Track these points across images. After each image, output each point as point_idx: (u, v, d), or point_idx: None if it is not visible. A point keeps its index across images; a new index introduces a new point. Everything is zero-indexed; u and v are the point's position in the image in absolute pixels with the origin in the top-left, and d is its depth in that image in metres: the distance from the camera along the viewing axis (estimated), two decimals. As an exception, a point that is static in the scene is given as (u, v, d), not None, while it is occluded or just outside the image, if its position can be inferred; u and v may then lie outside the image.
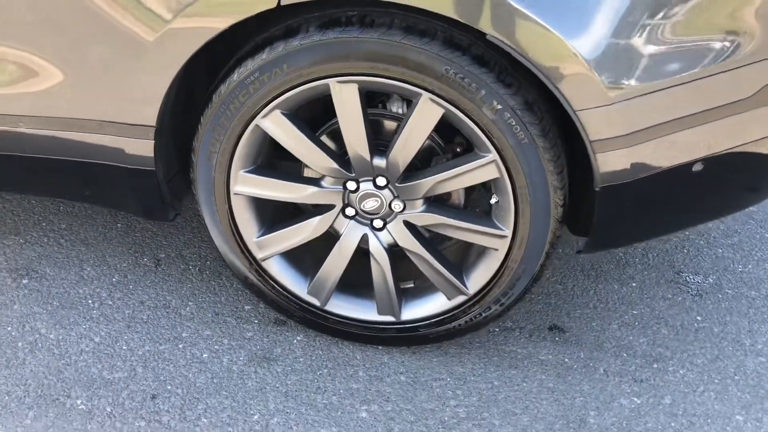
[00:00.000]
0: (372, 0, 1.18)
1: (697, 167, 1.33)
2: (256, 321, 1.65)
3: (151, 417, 1.43)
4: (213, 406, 1.45)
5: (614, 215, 1.38)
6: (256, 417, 1.44)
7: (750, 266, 1.90)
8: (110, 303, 1.67)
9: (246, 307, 1.68)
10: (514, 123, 1.24)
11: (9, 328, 1.59)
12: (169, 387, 1.49)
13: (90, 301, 1.67)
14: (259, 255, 1.50)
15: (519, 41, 1.17)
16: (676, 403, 1.52)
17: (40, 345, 1.56)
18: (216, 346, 1.58)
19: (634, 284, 1.82)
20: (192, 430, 1.41)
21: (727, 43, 1.21)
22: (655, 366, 1.60)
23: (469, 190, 1.47)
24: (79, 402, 1.45)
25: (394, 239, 1.45)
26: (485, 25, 1.16)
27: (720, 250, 1.95)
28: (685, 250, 1.94)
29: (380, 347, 1.60)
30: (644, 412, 1.49)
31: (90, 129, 1.40)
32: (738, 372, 1.59)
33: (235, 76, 1.30)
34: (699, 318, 1.73)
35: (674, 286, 1.81)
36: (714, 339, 1.68)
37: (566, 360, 1.60)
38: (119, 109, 1.36)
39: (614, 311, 1.74)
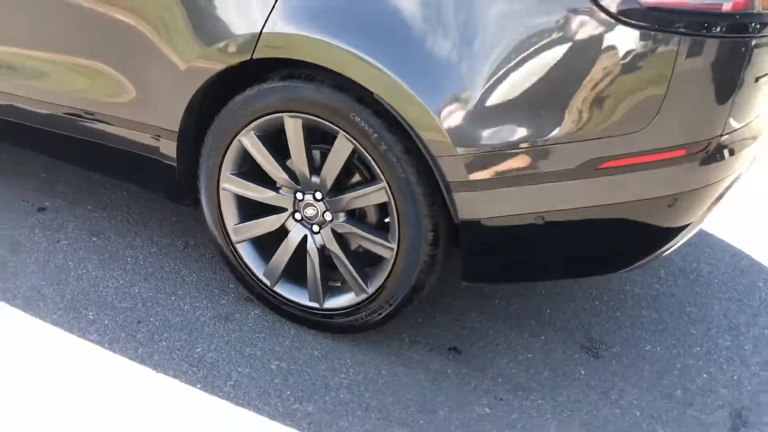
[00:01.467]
0: (311, 63, 1.75)
1: (538, 220, 1.72)
2: (232, 295, 2.19)
3: (130, 333, 2.00)
4: (174, 337, 2.00)
5: (475, 249, 1.79)
6: (198, 350, 1.96)
7: (659, 348, 2.15)
8: (141, 263, 2.30)
9: (230, 285, 2.23)
10: (396, 161, 1.73)
11: (70, 263, 2.26)
12: (151, 319, 2.06)
13: (128, 260, 2.31)
14: (234, 238, 2.06)
15: (397, 104, 1.67)
16: (520, 419, 1.83)
17: (84, 277, 2.21)
18: (196, 303, 2.14)
19: (543, 337, 2.15)
20: (152, 347, 1.96)
21: (554, 124, 1.62)
22: (520, 393, 1.92)
23: (380, 209, 1.93)
24: (90, 314, 2.06)
25: (324, 242, 1.95)
26: (379, 90, 1.68)
27: (641, 331, 2.21)
28: (608, 324, 2.22)
29: (310, 330, 2.07)
30: (489, 420, 1.83)
31: (141, 129, 2.07)
32: (589, 414, 1.87)
33: (229, 105, 1.91)
34: (583, 372, 2.02)
35: (578, 347, 2.12)
36: (585, 388, 1.96)
37: (448, 371, 1.97)
38: (159, 116, 2.02)
39: (512, 351, 2.08)
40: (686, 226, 1.78)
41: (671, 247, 1.84)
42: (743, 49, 1.56)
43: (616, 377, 2.00)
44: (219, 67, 1.84)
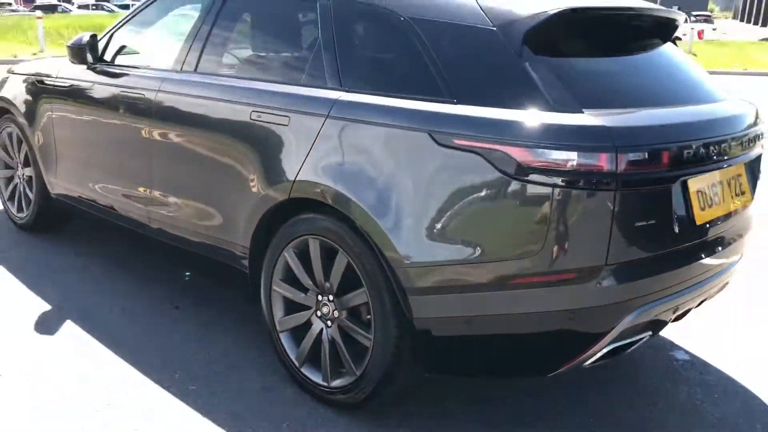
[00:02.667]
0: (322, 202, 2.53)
1: (468, 323, 2.27)
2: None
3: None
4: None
5: (427, 345, 2.36)
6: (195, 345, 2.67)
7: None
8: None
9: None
10: (371, 272, 2.40)
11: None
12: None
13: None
14: (278, 328, 2.80)
15: (371, 232, 2.37)
16: None
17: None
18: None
19: None
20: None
21: (473, 249, 2.22)
22: None
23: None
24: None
25: (332, 333, 2.63)
26: (360, 222, 2.40)
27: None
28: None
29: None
30: None
31: (217, 243, 2.96)
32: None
33: (280, 230, 2.72)
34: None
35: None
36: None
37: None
38: (236, 233, 2.89)
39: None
40: (596, 337, 2.22)
41: (590, 356, 2.26)
42: (607, 198, 2.08)
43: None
44: (272, 203, 2.70)
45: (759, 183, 2.85)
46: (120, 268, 3.92)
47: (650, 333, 2.40)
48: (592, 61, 2.45)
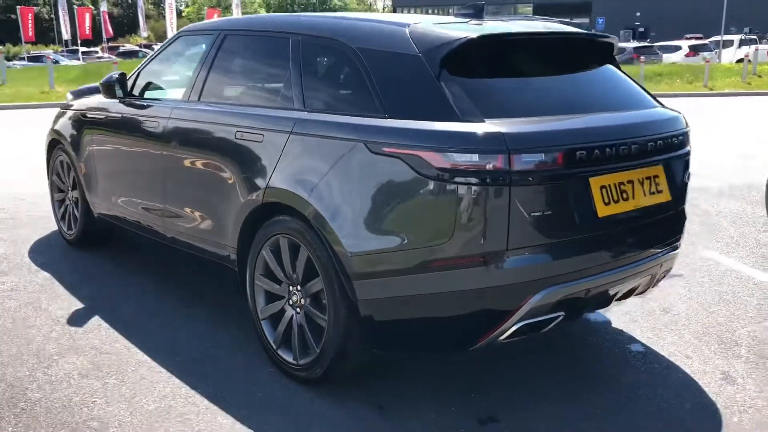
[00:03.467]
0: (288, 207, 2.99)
1: (403, 303, 2.67)
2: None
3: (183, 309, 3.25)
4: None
5: (369, 324, 2.77)
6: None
7: None
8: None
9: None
10: (324, 263, 2.85)
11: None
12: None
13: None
14: (260, 316, 3.26)
15: (321, 229, 2.82)
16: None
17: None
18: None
19: (432, 415, 2.94)
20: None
21: (399, 239, 2.63)
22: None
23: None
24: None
25: (300, 318, 3.07)
26: (315, 221, 2.85)
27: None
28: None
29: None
30: None
31: (214, 245, 3.47)
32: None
33: (259, 231, 3.20)
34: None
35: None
36: None
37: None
38: (226, 236, 3.38)
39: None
40: (505, 314, 2.58)
41: (503, 332, 2.62)
42: (503, 193, 2.46)
43: (482, 435, 2.72)
44: (251, 208, 3.18)
45: (684, 182, 3.15)
46: (147, 275, 4.48)
47: (563, 313, 2.72)
48: (501, 78, 2.85)
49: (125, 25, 62.26)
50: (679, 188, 3.08)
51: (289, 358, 3.12)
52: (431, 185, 2.53)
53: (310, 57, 3.16)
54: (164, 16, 43.10)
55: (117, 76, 4.20)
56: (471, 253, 2.53)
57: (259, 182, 3.13)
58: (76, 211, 4.97)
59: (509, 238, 2.51)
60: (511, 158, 2.46)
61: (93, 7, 57.43)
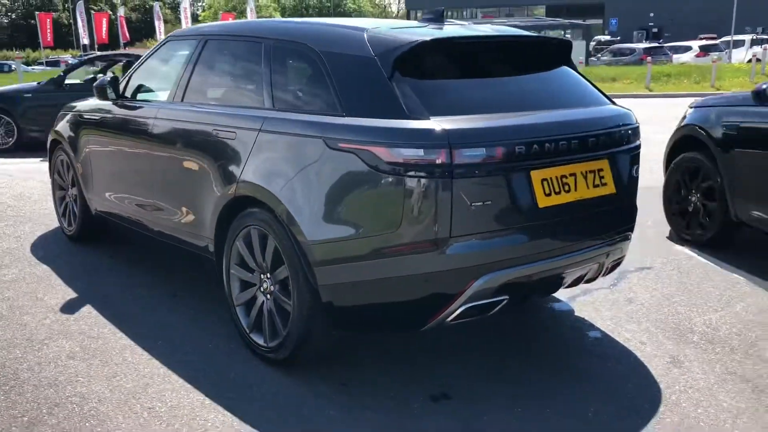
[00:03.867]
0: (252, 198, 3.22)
1: (356, 287, 2.89)
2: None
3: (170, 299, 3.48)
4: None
5: (329, 307, 2.98)
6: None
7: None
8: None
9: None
10: (289, 251, 3.07)
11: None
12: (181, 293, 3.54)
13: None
14: (235, 303, 3.49)
15: (286, 221, 3.04)
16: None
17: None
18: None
19: (390, 392, 3.14)
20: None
21: (354, 228, 2.85)
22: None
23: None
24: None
25: (270, 304, 3.29)
26: (280, 213, 3.07)
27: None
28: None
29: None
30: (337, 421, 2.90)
31: (194, 237, 3.70)
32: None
33: (232, 223, 3.43)
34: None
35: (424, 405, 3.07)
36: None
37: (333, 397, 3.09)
38: (205, 228, 3.62)
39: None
40: (451, 297, 2.78)
41: (450, 313, 2.83)
42: (446, 185, 2.67)
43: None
44: (225, 201, 3.41)
45: (633, 176, 3.34)
46: (140, 268, 4.73)
47: (507, 297, 2.92)
48: (450, 79, 3.06)
49: (143, 30, 63.00)
50: (625, 182, 3.27)
51: (260, 341, 3.34)
52: (381, 178, 2.74)
53: (280, 60, 3.39)
54: (180, 21, 43.65)
55: (109, 79, 4.45)
56: (417, 240, 2.74)
57: (232, 177, 3.35)
58: (75, 208, 5.22)
59: (452, 226, 2.71)
60: (453, 153, 2.67)
61: (111, 12, 58.26)
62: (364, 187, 2.81)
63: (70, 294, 4.28)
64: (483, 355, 3.46)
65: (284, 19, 4.49)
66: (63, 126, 5.19)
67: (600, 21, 53.86)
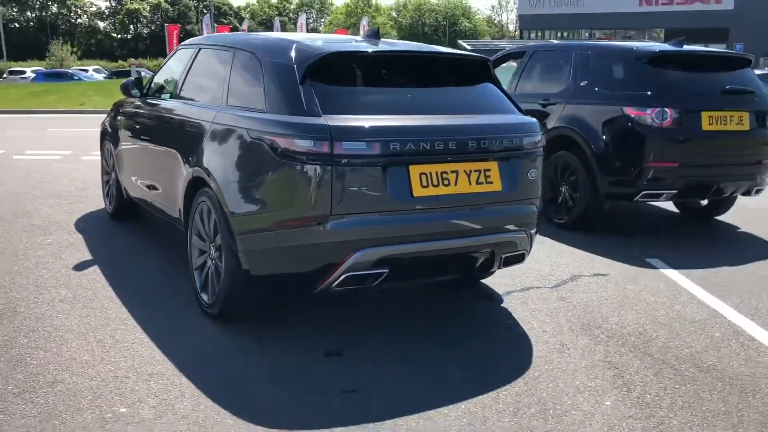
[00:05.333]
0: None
1: (270, 253, 3.50)
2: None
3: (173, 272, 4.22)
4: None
5: (247, 271, 3.60)
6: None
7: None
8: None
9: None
10: (222, 222, 3.72)
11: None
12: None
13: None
14: (193, 267, 4.17)
15: (220, 197, 3.69)
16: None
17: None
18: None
19: (293, 347, 3.70)
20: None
21: (267, 205, 3.46)
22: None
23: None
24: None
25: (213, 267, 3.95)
26: (217, 193, 3.74)
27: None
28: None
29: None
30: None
31: (173, 212, 4.43)
32: (279, 366, 3.42)
33: (194, 199, 4.12)
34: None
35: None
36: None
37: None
38: (178, 206, 4.33)
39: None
40: (333, 265, 3.33)
41: (334, 280, 3.38)
42: (327, 171, 3.23)
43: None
44: (187, 180, 4.11)
45: (530, 178, 3.74)
46: (155, 243, 5.55)
47: (386, 271, 3.42)
48: (352, 85, 3.61)
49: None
50: (516, 182, 3.68)
51: (205, 299, 4.00)
52: (281, 163, 3.34)
53: (238, 65, 4.06)
54: (296, 35, 45.96)
55: (133, 79, 5.30)
56: (305, 216, 3.31)
57: (192, 161, 4.06)
58: (113, 190, 6.14)
59: (332, 206, 3.27)
60: (334, 145, 3.23)
61: (238, 25, 61.93)
62: (270, 170, 3.42)
63: (87, 257, 5.13)
64: (385, 324, 3.96)
65: (250, 32, 4.80)
66: (108, 119, 6.13)
67: (723, 46, 51.61)
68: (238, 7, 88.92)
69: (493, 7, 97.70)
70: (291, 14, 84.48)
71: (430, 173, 3.41)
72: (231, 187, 3.62)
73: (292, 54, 3.61)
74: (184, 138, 4.24)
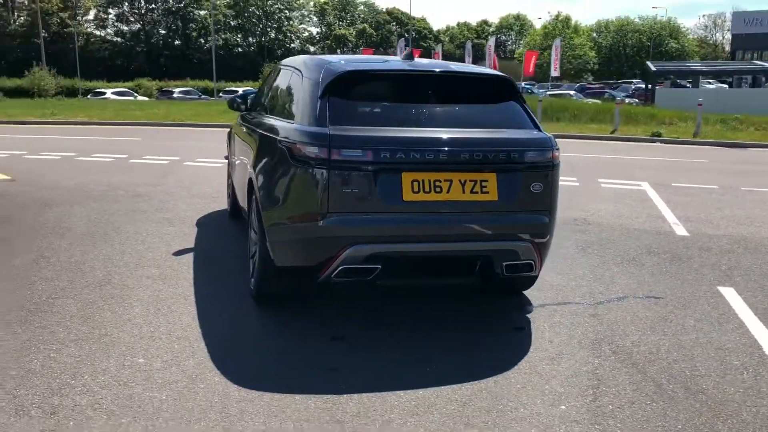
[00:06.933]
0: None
1: (286, 245, 4.04)
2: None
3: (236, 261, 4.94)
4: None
5: (271, 258, 4.16)
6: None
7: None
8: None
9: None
10: (254, 216, 4.32)
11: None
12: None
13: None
14: (248, 256, 4.81)
15: (256, 190, 4.30)
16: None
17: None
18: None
19: (302, 331, 4.16)
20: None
21: (282, 204, 4.00)
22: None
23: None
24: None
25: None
26: (254, 183, 4.35)
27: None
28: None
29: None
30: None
31: (245, 210, 5.11)
32: (283, 343, 3.93)
33: (253, 197, 4.77)
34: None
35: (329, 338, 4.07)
36: (300, 340, 3.98)
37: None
38: (245, 203, 5.01)
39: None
40: (331, 258, 3.77)
41: (332, 271, 3.81)
42: (325, 174, 3.69)
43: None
44: (247, 182, 4.78)
45: (532, 191, 3.92)
46: (239, 239, 6.32)
47: (380, 266, 3.79)
48: (363, 100, 4.01)
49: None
50: (515, 193, 3.87)
51: (252, 284, 4.62)
52: (293, 165, 3.86)
53: (291, 82, 4.65)
54: (485, 57, 46.52)
55: (239, 95, 6.12)
56: (307, 213, 3.79)
57: (249, 165, 4.72)
58: (230, 192, 7.05)
59: (329, 204, 3.72)
60: (332, 151, 3.69)
61: (432, 48, 63.83)
62: (286, 172, 3.95)
63: (189, 246, 6.01)
64: (382, 314, 4.31)
65: (307, 55, 5.13)
66: (229, 129, 7.06)
67: None
68: (438, 31, 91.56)
69: (706, 26, 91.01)
70: (490, 37, 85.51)
71: (423, 180, 3.73)
72: (264, 186, 4.21)
73: (321, 72, 4.12)
74: (249, 145, 4.92)
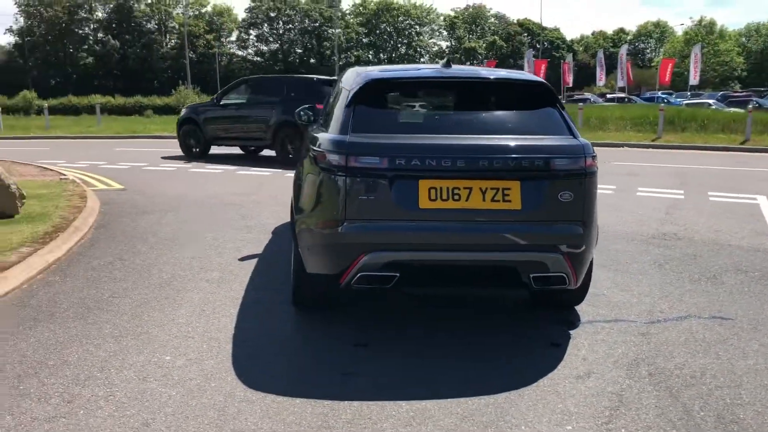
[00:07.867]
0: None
1: (311, 249, 4.12)
2: (300, 293, 5.00)
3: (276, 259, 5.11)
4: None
5: (302, 265, 4.24)
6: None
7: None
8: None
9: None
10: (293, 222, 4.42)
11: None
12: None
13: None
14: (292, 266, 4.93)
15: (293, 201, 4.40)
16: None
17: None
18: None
19: (326, 340, 4.18)
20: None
21: (310, 209, 4.08)
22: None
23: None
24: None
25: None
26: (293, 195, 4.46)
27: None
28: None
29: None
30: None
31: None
32: (306, 348, 3.99)
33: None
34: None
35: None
36: (324, 346, 4.02)
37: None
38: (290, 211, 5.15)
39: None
40: (350, 263, 3.79)
41: (352, 277, 3.83)
42: (343, 181, 3.72)
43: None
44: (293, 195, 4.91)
45: (560, 200, 3.74)
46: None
47: (398, 274, 3.75)
48: (389, 107, 3.99)
49: (585, 75, 65.17)
50: (541, 202, 3.71)
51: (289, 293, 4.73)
52: (318, 171, 3.93)
53: (335, 94, 4.73)
54: (617, 67, 44.79)
55: (305, 108, 6.29)
56: (329, 219, 3.83)
57: (296, 174, 4.84)
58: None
59: (347, 211, 3.74)
60: (350, 158, 3.71)
61: (560, 59, 62.36)
62: (314, 180, 4.02)
63: (257, 252, 6.23)
64: (425, 325, 4.24)
65: (360, 67, 5.02)
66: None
67: None
68: (572, 41, 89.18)
69: None
70: (628, 44, 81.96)
71: (441, 188, 3.67)
72: (296, 194, 4.31)
73: (356, 81, 4.16)
74: (300, 157, 5.05)
